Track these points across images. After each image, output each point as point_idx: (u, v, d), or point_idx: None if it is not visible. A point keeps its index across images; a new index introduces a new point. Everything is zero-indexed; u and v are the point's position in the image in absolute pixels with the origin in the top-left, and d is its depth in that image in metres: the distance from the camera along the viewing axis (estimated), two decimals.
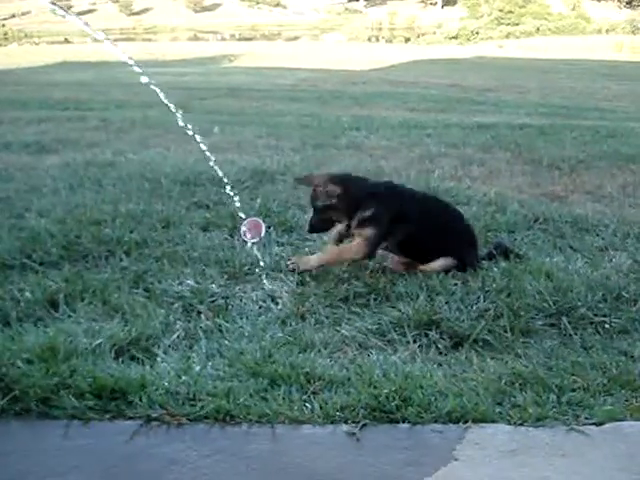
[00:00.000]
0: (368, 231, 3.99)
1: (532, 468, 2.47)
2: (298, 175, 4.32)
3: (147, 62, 26.23)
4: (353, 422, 2.67)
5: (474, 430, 2.64)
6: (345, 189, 4.03)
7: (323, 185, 4.04)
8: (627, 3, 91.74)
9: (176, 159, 7.13)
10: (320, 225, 4.19)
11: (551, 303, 3.60)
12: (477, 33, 68.77)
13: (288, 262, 4.04)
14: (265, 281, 3.90)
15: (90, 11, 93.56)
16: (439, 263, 4.09)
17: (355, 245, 4.02)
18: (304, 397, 2.79)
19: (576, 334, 3.41)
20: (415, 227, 4.08)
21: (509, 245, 4.51)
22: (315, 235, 4.69)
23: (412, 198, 4.27)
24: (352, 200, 4.04)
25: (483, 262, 4.23)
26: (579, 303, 3.62)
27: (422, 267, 4.09)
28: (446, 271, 4.04)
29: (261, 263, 4.04)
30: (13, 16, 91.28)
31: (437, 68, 29.29)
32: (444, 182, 6.29)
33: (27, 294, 3.60)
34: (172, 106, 3.92)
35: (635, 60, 38.44)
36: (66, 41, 64.68)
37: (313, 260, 4.02)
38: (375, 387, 2.82)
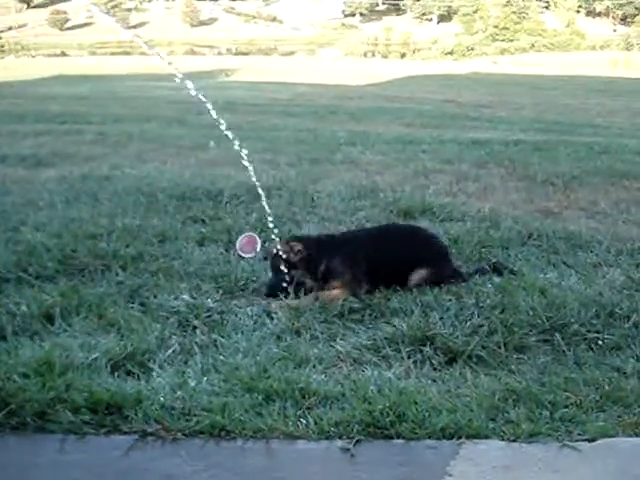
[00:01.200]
0: (339, 281, 4.09)
1: None
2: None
3: (144, 76, 26.31)
4: (347, 438, 2.67)
5: (468, 446, 2.65)
6: (305, 245, 4.12)
7: (283, 246, 4.08)
8: (621, 20, 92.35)
9: (172, 173, 7.16)
10: (279, 287, 4.09)
11: (544, 319, 3.62)
12: (472, 49, 69.21)
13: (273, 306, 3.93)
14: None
15: (88, 24, 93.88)
16: (414, 277, 4.17)
17: (337, 292, 4.05)
18: (299, 412, 2.79)
19: (569, 350, 3.42)
20: (375, 256, 4.18)
21: (502, 262, 4.54)
22: None
23: (361, 237, 4.50)
24: (312, 254, 4.12)
25: (476, 277, 4.25)
26: (572, 319, 3.64)
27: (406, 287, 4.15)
28: (426, 282, 4.12)
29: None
30: (10, 28, 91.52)
31: (432, 83, 29.44)
32: (439, 198, 6.32)
33: (23, 308, 3.60)
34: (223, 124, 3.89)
35: (629, 76, 38.67)
36: (62, 54, 64.86)
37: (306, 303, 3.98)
38: (369, 403, 2.83)
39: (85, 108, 15.05)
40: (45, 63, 40.71)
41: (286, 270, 4.03)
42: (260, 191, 4.26)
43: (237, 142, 3.93)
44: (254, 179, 4.35)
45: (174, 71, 3.93)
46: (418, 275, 4.17)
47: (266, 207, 4.23)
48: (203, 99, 3.94)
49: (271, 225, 4.16)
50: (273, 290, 4.05)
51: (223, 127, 3.92)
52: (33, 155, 8.33)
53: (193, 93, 3.94)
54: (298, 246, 4.09)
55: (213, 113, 3.93)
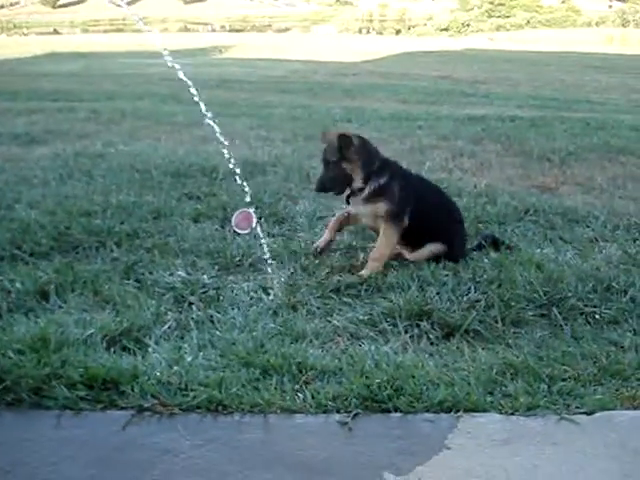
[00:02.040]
0: (387, 206, 3.98)
1: (524, 457, 2.49)
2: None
3: (137, 53, 26.13)
4: (345, 412, 2.68)
5: (466, 419, 2.65)
6: (362, 143, 4.01)
7: (339, 138, 3.96)
8: None
9: (166, 150, 7.11)
10: (330, 184, 4.04)
11: (542, 294, 3.62)
12: (468, 25, 68.86)
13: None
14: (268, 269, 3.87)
15: (80, 1, 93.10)
16: (427, 249, 4.11)
17: (386, 233, 3.98)
18: (296, 387, 2.79)
19: (566, 324, 3.43)
20: (415, 208, 4.07)
21: (498, 237, 4.52)
22: (306, 225, 4.70)
23: (413, 177, 4.31)
24: (367, 155, 4.01)
25: (473, 253, 4.24)
26: (569, 294, 3.64)
27: (410, 256, 4.10)
28: (435, 258, 4.06)
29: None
30: (2, 7, 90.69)
31: (428, 60, 29.28)
32: (435, 174, 6.30)
33: (18, 285, 3.59)
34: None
35: (625, 53, 38.53)
36: (55, 32, 64.38)
37: (369, 271, 3.93)
38: (367, 377, 2.82)
39: (78, 86, 14.94)
40: (37, 41, 40.32)
41: (337, 163, 3.97)
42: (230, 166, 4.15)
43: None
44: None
45: (162, 50, 3.87)
46: (433, 247, 4.10)
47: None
48: (183, 77, 3.87)
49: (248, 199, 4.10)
50: (323, 187, 4.06)
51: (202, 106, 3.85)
52: (26, 133, 8.26)
53: (181, 74, 3.87)
54: (356, 140, 3.98)
55: (193, 91, 3.85)
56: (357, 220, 4.19)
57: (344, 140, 3.95)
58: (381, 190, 3.99)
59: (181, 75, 3.86)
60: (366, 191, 4.00)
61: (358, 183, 4.01)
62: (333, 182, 4.04)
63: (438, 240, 4.12)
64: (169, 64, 3.85)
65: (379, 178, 4.00)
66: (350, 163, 3.97)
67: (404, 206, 4.02)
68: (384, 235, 4.00)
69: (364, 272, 3.90)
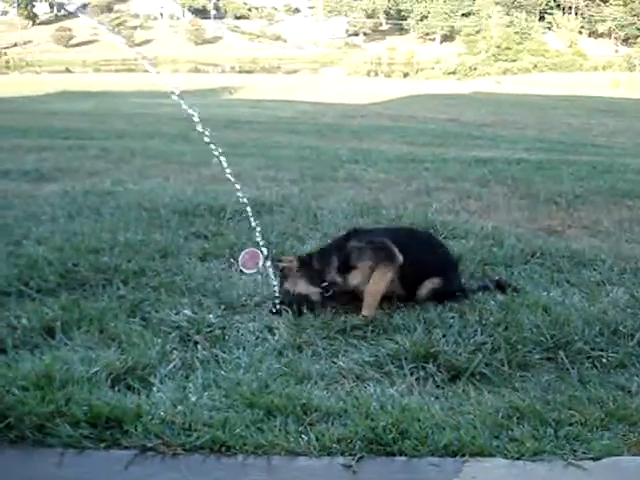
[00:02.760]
0: (371, 253, 4.01)
1: None
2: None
3: (148, 93, 26.42)
4: (350, 454, 2.65)
5: (471, 464, 2.62)
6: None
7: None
8: (623, 40, 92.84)
9: (175, 189, 7.16)
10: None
11: (548, 337, 3.59)
12: (475, 69, 69.55)
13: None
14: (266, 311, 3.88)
15: (91, 42, 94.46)
16: (427, 286, 4.10)
17: (379, 271, 3.98)
18: (300, 428, 2.77)
19: (573, 368, 3.40)
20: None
21: (504, 279, 4.52)
22: None
23: (387, 230, 4.44)
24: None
25: (479, 294, 4.23)
26: (576, 337, 3.61)
27: (415, 299, 4.10)
28: (436, 295, 4.06)
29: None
30: (15, 45, 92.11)
31: (435, 103, 29.53)
32: (442, 215, 6.31)
33: (24, 321, 3.59)
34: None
35: (632, 97, 38.78)
36: (67, 70, 65.23)
37: (370, 309, 3.92)
38: (372, 419, 2.80)
39: (88, 124, 15.11)
40: (49, 79, 40.87)
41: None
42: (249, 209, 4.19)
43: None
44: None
45: (174, 89, 3.91)
46: (431, 283, 4.09)
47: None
48: (195, 116, 3.91)
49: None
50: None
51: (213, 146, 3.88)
52: (36, 170, 8.34)
53: (193, 112, 3.91)
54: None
55: (202, 130, 3.88)
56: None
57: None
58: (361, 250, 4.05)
59: (192, 113, 3.89)
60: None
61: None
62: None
63: (433, 276, 4.12)
64: (183, 106, 3.88)
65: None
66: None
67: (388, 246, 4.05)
68: (378, 275, 3.99)
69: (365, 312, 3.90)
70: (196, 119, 3.86)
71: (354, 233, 4.26)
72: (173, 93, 3.89)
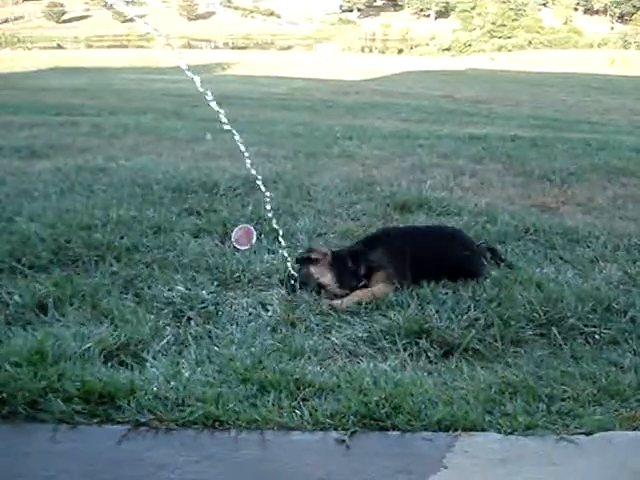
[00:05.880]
0: (383, 273, 3.99)
1: (522, 477, 2.46)
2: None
3: (141, 69, 26.26)
4: (343, 429, 2.66)
5: (464, 438, 2.64)
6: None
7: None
8: (619, 18, 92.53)
9: (168, 165, 7.12)
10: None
11: (541, 313, 3.60)
12: (469, 45, 69.28)
13: (323, 306, 3.77)
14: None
15: (84, 17, 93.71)
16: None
17: (382, 286, 3.95)
18: (294, 404, 2.78)
19: (566, 344, 3.41)
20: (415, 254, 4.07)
21: (493, 246, 4.55)
22: (307, 242, 4.70)
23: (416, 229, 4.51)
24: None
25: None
26: (569, 313, 3.62)
27: None
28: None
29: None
30: (6, 21, 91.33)
31: (429, 79, 29.43)
32: (436, 192, 6.30)
33: (16, 298, 3.58)
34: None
35: (627, 74, 38.69)
36: (59, 46, 64.71)
37: (347, 302, 3.83)
38: (365, 394, 2.81)
39: (80, 100, 15.00)
40: (41, 55, 40.57)
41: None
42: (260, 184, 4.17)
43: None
44: (253, 171, 4.28)
45: (180, 63, 3.88)
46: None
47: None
48: (201, 90, 3.88)
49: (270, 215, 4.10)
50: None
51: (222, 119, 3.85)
52: (28, 146, 8.27)
53: (198, 85, 3.88)
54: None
55: (213, 105, 3.87)
56: None
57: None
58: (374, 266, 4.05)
59: (199, 87, 3.86)
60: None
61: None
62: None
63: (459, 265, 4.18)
64: (197, 83, 3.84)
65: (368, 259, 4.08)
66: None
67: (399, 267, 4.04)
68: (379, 288, 3.95)
69: (336, 302, 3.81)
70: (209, 97, 3.82)
71: (385, 234, 4.33)
72: (188, 69, 3.85)
